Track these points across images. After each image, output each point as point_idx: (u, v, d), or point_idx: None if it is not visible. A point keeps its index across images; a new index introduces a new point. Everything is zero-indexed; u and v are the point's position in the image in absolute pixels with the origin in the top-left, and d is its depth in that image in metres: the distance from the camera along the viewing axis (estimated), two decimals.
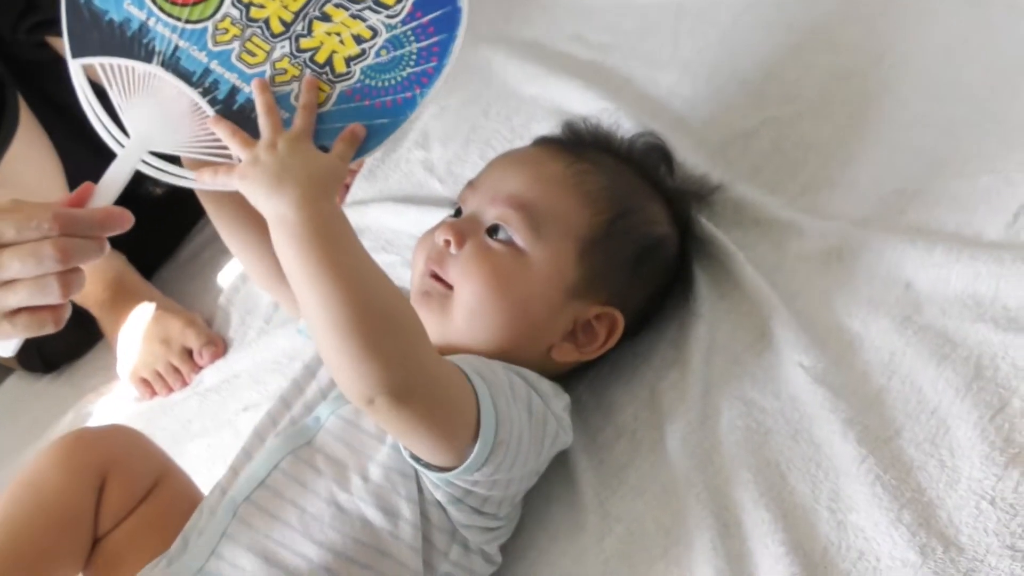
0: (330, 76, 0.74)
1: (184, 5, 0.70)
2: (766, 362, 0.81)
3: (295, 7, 0.71)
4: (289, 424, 0.82)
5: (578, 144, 0.89)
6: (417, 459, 0.72)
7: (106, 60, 0.74)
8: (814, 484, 0.72)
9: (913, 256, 0.79)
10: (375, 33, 0.72)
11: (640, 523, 0.77)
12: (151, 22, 0.70)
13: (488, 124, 1.23)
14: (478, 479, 0.73)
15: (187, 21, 0.73)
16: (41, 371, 1.40)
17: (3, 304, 0.66)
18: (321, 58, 0.72)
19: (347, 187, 1.30)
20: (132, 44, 0.73)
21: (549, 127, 1.14)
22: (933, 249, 0.78)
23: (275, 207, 0.69)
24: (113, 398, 1.28)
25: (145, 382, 1.23)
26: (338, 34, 0.72)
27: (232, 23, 0.72)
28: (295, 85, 0.75)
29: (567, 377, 0.85)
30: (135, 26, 0.71)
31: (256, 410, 1.12)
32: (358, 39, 0.71)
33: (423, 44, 0.74)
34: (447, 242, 0.81)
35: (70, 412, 1.29)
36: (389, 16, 0.72)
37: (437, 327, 0.79)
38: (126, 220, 0.69)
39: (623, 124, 0.97)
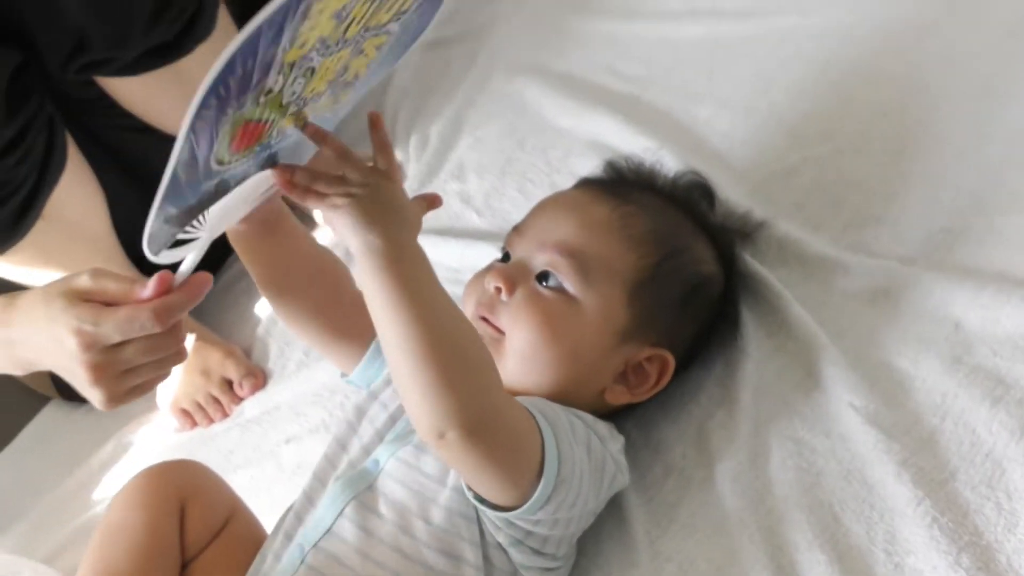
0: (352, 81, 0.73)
1: (247, 148, 0.69)
2: (815, 401, 0.82)
3: (336, 66, 0.70)
4: (348, 467, 0.83)
5: (621, 184, 0.90)
6: (480, 499, 0.73)
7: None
8: (869, 526, 0.73)
9: (962, 296, 0.80)
10: (390, 34, 0.71)
11: (692, 562, 0.78)
12: (227, 174, 0.69)
13: (524, 156, 1.24)
14: (540, 518, 0.74)
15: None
16: (80, 400, 1.41)
17: (131, 383, 0.75)
18: (350, 77, 0.72)
19: None
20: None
21: (586, 161, 1.16)
22: (982, 290, 0.79)
23: (367, 238, 0.69)
24: (153, 428, 1.30)
25: (186, 413, 1.25)
26: (362, 51, 0.71)
27: (293, 117, 0.71)
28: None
29: (616, 415, 0.86)
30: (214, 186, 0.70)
31: (298, 443, 1.13)
32: (379, 47, 0.71)
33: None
34: (497, 289, 0.82)
35: (111, 441, 1.30)
36: (402, 14, 0.71)
37: None
38: (209, 283, 0.73)
39: (664, 160, 0.97)
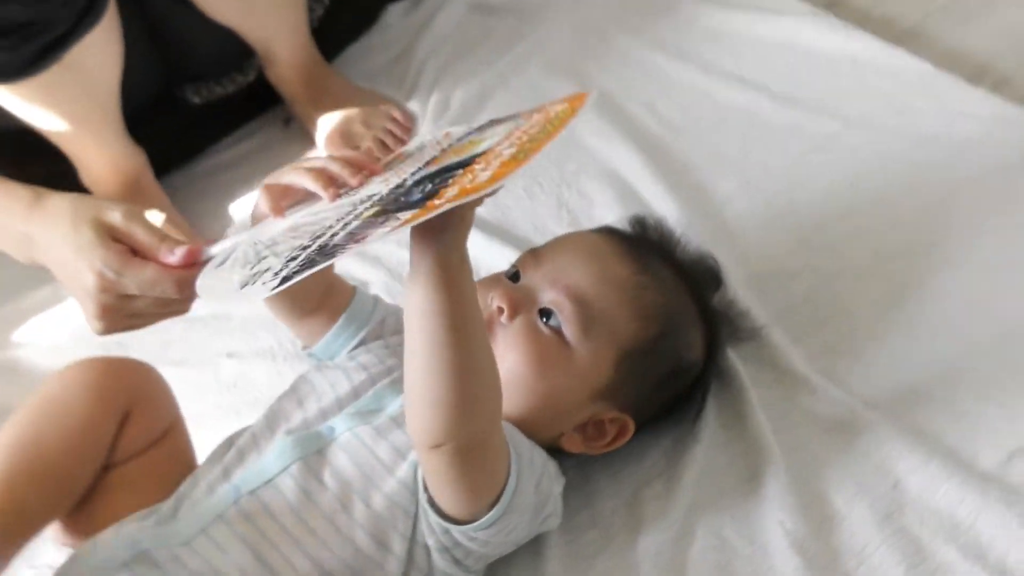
0: None
1: None
2: (749, 506, 0.86)
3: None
4: (302, 425, 0.85)
5: (644, 245, 0.92)
6: (433, 503, 0.76)
7: None
8: None
9: (909, 459, 0.85)
10: None
11: None
12: None
13: (540, 160, 1.25)
14: (478, 537, 0.77)
15: None
16: None
17: (131, 323, 0.77)
18: None
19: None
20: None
21: (597, 185, 1.18)
22: (930, 460, 0.84)
23: (441, 248, 0.67)
24: None
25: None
26: None
27: None
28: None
29: (562, 454, 0.89)
30: None
31: (240, 361, 1.13)
32: None
33: None
34: (500, 309, 0.84)
35: (48, 287, 1.27)
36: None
37: None
38: None
39: (687, 233, 0.99)
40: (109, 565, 0.78)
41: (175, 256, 0.73)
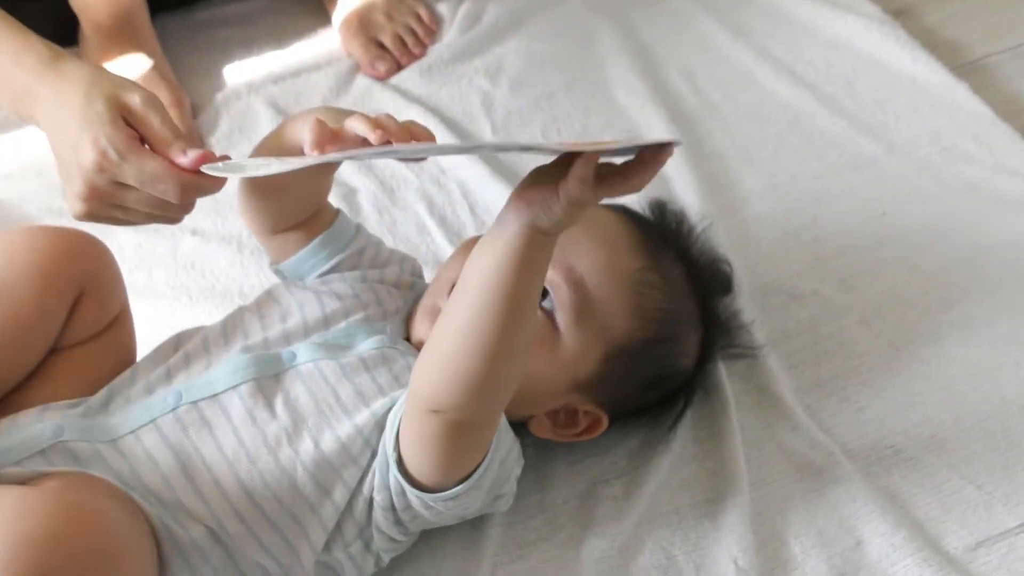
0: None
1: None
2: (703, 531, 0.82)
3: None
4: (262, 344, 0.78)
5: (660, 234, 0.86)
6: (400, 463, 0.72)
7: None
8: None
9: (877, 523, 0.82)
10: None
11: None
12: None
13: (564, 103, 1.18)
14: (434, 506, 0.73)
15: None
16: None
17: (113, 215, 0.72)
18: None
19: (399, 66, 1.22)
20: None
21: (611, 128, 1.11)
22: (897, 531, 0.81)
23: (536, 214, 0.62)
24: None
25: None
26: None
27: None
28: None
29: (524, 433, 0.84)
30: None
31: (203, 240, 1.05)
32: None
33: None
34: None
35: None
36: None
37: None
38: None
39: (708, 230, 0.92)
40: (24, 449, 0.71)
41: (187, 157, 0.68)
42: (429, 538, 0.81)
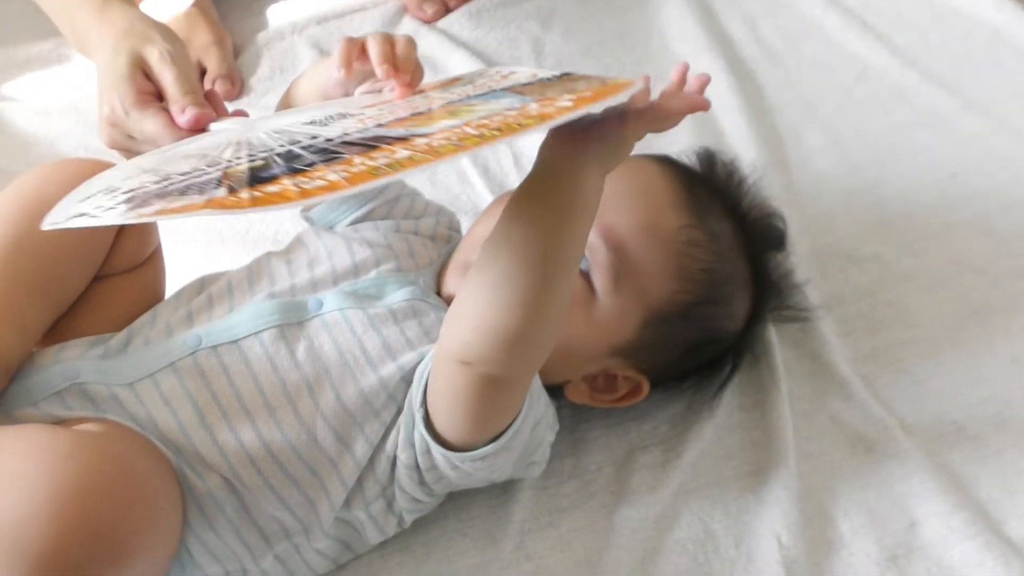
0: None
1: None
2: (745, 505, 0.78)
3: None
4: (288, 291, 0.75)
5: (707, 187, 0.80)
6: (427, 420, 0.68)
7: None
8: None
9: (934, 502, 0.76)
10: None
11: (549, 574, 0.75)
12: None
13: (616, 48, 1.12)
14: (461, 467, 0.70)
15: None
16: None
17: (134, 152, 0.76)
18: None
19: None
20: None
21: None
22: (958, 511, 0.76)
23: (583, 157, 0.61)
24: None
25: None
26: None
27: None
28: None
29: (559, 396, 0.80)
30: None
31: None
32: None
33: None
34: None
35: (52, 41, 1.14)
36: None
37: None
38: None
39: (759, 182, 0.87)
40: (40, 391, 0.69)
41: (184, 117, 0.72)
42: (455, 498, 0.78)
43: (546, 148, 0.62)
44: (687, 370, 0.81)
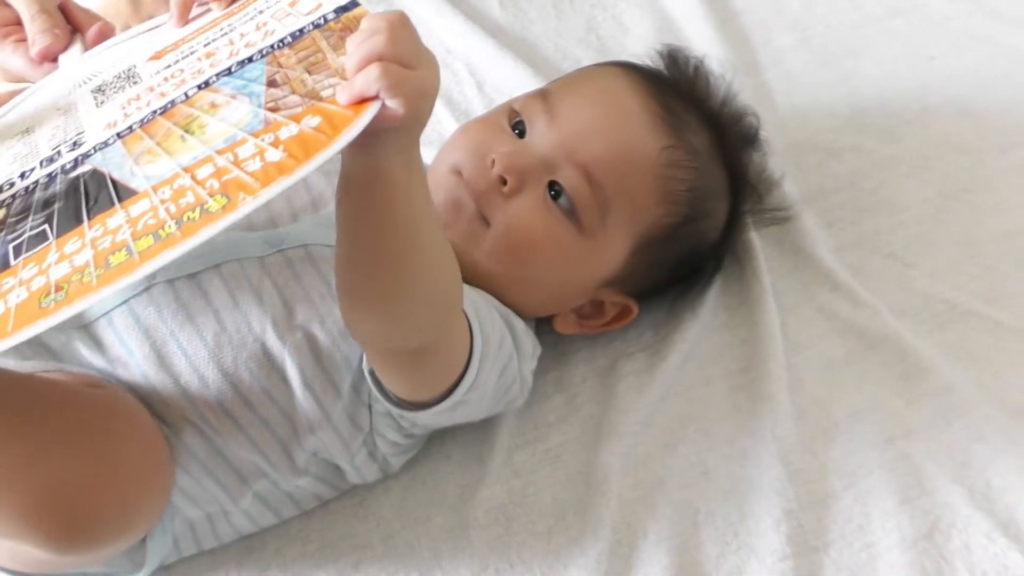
0: None
1: None
2: (736, 402, 0.75)
3: None
4: (247, 226, 0.70)
5: (676, 93, 0.77)
6: (379, 383, 0.65)
7: None
8: (722, 551, 0.69)
9: (930, 380, 0.74)
10: None
11: (538, 491, 0.73)
12: None
13: None
14: (420, 419, 0.67)
15: None
16: None
17: None
18: None
19: None
20: None
21: (639, 14, 1.02)
22: (951, 388, 0.73)
23: (372, 155, 0.51)
24: None
25: None
26: None
27: None
28: None
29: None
30: None
31: None
32: None
33: None
34: (502, 179, 0.70)
35: None
36: None
37: (453, 240, 0.64)
38: None
39: (725, 75, 0.84)
40: None
41: (33, 48, 0.69)
42: (438, 431, 0.75)
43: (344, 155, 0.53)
44: (671, 283, 0.79)
